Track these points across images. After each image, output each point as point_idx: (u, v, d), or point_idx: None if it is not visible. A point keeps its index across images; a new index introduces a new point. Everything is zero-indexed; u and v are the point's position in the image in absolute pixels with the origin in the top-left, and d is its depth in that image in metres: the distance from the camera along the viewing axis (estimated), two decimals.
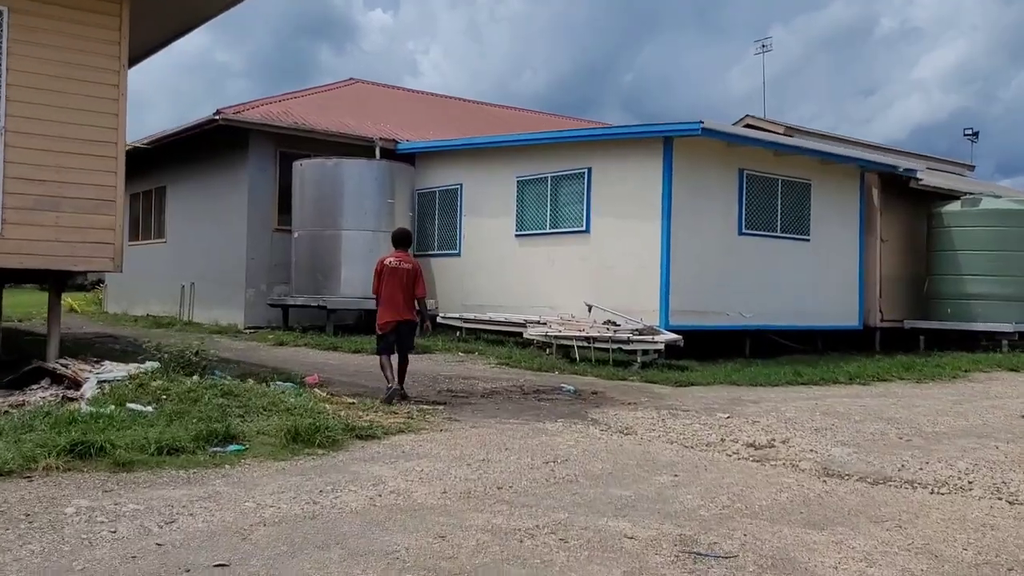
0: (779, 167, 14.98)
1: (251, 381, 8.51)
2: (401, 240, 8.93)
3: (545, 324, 13.52)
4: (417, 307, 8.73)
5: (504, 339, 15.10)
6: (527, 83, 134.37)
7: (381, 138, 18.07)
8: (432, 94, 26.09)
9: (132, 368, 8.17)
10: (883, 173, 16.82)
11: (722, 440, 7.05)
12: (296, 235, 16.42)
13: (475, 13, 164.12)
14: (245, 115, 16.75)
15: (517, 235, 16.05)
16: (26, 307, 25.86)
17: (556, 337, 12.71)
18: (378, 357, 8.72)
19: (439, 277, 17.75)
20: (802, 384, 11.24)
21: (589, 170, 14.77)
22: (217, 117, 16.20)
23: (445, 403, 8.54)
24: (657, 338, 12.19)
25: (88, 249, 9.49)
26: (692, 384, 10.81)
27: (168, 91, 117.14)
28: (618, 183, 14.34)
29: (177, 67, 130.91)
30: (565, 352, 12.81)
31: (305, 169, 16.22)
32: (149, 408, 6.71)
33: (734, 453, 6.62)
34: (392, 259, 8.69)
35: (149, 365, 8.32)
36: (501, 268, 16.31)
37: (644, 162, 13.95)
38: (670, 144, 13.59)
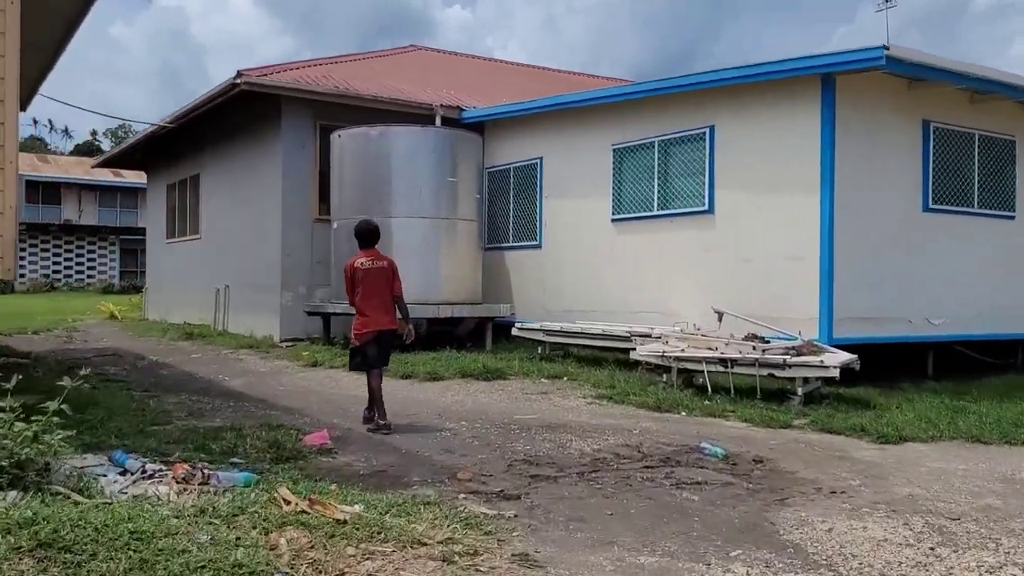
0: (975, 118, 10.93)
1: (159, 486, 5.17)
2: (368, 235, 7.47)
3: (659, 338, 9.88)
4: (398, 311, 7.40)
5: (601, 355, 11.50)
6: (606, 75, 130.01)
7: (443, 105, 14.69)
8: (506, 62, 22.63)
9: None
10: None
11: None
12: (335, 225, 13.16)
13: (552, 6, 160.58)
14: (274, 78, 13.57)
15: (614, 220, 12.43)
16: (66, 312, 23.41)
17: (678, 358, 9.05)
18: (368, 379, 7.25)
19: (515, 275, 14.26)
20: None
21: (712, 129, 11.04)
22: (239, 81, 13.07)
23: (519, 495, 5.00)
24: (826, 359, 8.42)
25: None
26: (903, 438, 7.00)
27: None
28: (754, 144, 10.57)
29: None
30: (688, 377, 9.17)
31: (344, 141, 12.93)
32: None
33: None
34: (364, 260, 7.33)
35: None
36: (594, 263, 12.73)
37: (792, 113, 10.16)
38: (831, 86, 9.76)
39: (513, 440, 6.62)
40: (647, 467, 5.76)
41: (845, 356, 8.65)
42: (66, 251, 43.95)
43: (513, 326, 12.13)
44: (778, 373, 8.48)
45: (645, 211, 11.96)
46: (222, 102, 14.72)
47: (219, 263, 16.88)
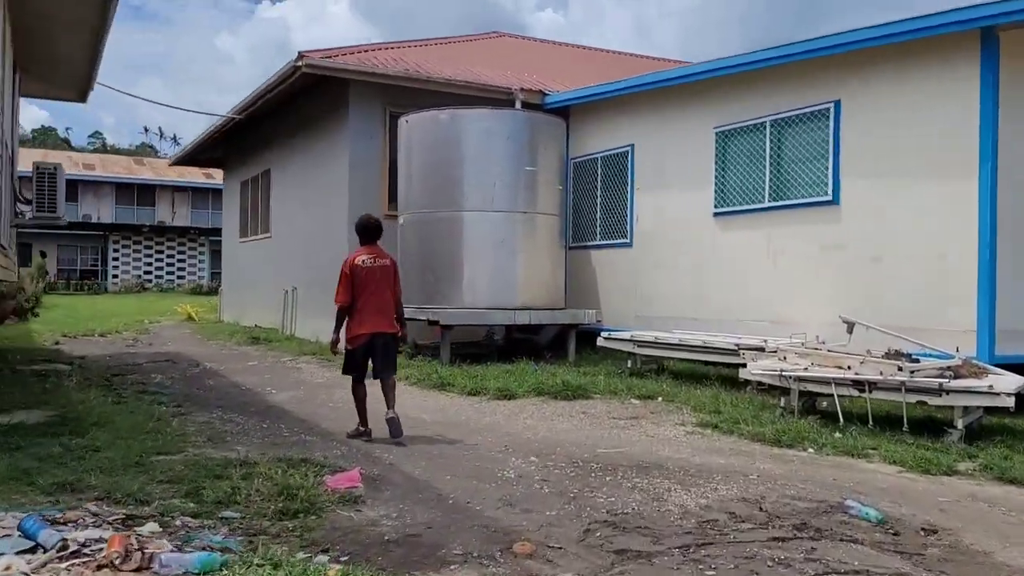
0: None
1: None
2: (370, 230, 6.90)
3: (774, 353, 8.21)
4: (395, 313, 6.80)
5: (701, 370, 9.90)
6: None
7: (523, 88, 13.29)
8: (594, 48, 21.07)
9: None
10: None
11: None
12: (401, 220, 11.92)
13: (643, 9, 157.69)
14: (338, 60, 12.43)
15: (717, 214, 10.79)
16: (147, 314, 22.94)
17: (800, 378, 7.38)
18: (351, 385, 6.80)
19: (602, 278, 12.74)
20: None
21: (836, 105, 9.30)
22: (300, 63, 11.98)
23: None
24: (995, 383, 6.62)
25: None
26: None
27: None
28: (890, 120, 8.79)
29: None
30: (810, 401, 7.50)
31: (411, 127, 11.66)
32: None
33: None
34: (364, 257, 6.76)
35: None
36: (693, 263, 11.11)
37: (941, 78, 8.35)
38: (993, 43, 7.93)
39: (593, 487, 5.14)
40: (776, 539, 4.19)
41: (1017, 380, 6.84)
42: (157, 252, 44.50)
43: (599, 335, 10.61)
44: (931, 400, 6.73)
45: (754, 203, 10.28)
46: (289, 91, 13.73)
47: (288, 263, 15.93)
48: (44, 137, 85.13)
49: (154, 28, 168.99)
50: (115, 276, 43.22)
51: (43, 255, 43.20)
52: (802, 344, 8.24)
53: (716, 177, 10.80)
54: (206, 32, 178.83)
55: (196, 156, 21.51)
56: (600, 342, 10.29)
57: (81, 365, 10.67)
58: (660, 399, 8.47)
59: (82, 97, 13.65)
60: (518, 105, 12.84)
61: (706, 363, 9.64)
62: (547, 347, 12.15)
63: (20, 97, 13.17)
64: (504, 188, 11.17)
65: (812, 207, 9.54)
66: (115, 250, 43.70)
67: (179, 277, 44.51)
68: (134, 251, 43.83)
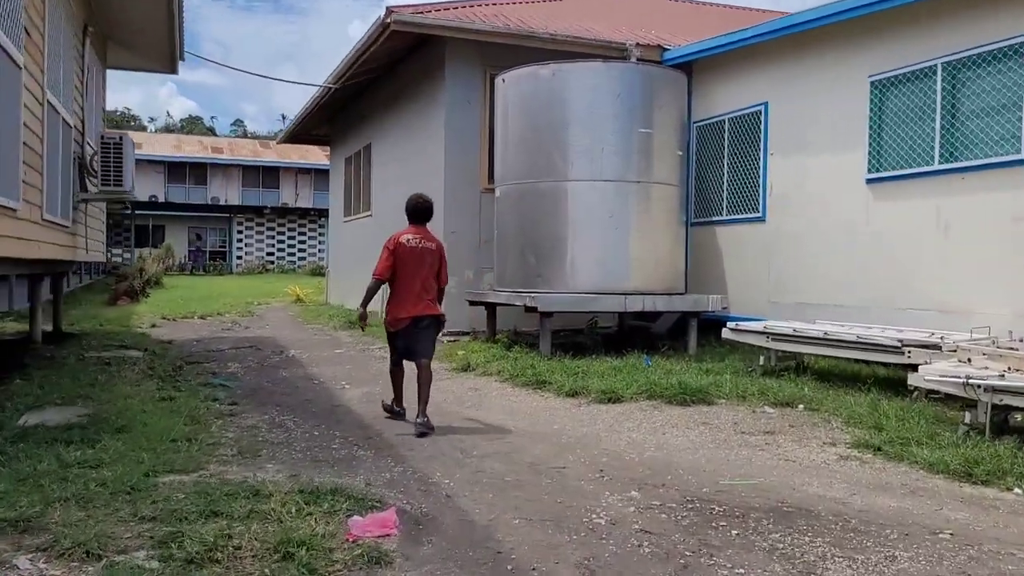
0: None
1: None
2: (419, 211, 6.57)
3: (954, 352, 6.44)
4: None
5: (851, 367, 8.18)
6: None
7: (638, 43, 11.70)
8: (710, 3, 19.06)
9: None
10: None
11: None
12: (498, 192, 10.62)
13: None
14: (430, 16, 11.22)
15: (871, 180, 8.97)
16: (259, 295, 22.53)
17: (994, 388, 5.62)
18: (390, 366, 6.67)
19: (728, 258, 11.08)
20: None
21: None
22: (388, 20, 10.84)
23: None
24: None
25: None
26: None
27: None
28: None
29: None
30: (1001, 415, 5.75)
31: (508, 86, 10.31)
32: None
33: None
34: (411, 236, 6.43)
35: None
36: (840, 240, 9.34)
37: None
38: None
39: (713, 546, 3.70)
40: None
41: None
42: (279, 234, 45.15)
43: (724, 325, 9.01)
44: None
45: (919, 165, 8.42)
46: (384, 56, 12.71)
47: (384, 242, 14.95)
48: (191, 126, 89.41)
49: (291, 19, 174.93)
50: (239, 257, 44.14)
51: (198, 236, 44.70)
52: (993, 343, 6.43)
53: (870, 136, 8.97)
54: (340, 19, 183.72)
55: (302, 133, 20.90)
56: (726, 334, 8.67)
57: (155, 352, 9.95)
58: (801, 407, 6.85)
59: (172, 67, 13.04)
60: (633, 61, 11.29)
61: (858, 361, 7.92)
62: (663, 338, 10.63)
63: (108, 69, 12.67)
64: (614, 154, 9.67)
65: (999, 169, 7.62)
66: (239, 231, 44.62)
67: (300, 258, 45.03)
68: (257, 232, 44.61)
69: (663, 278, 10.03)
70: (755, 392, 7.20)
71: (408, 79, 13.49)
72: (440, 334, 6.71)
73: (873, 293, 8.84)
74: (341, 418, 6.58)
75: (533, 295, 9.36)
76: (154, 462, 4.76)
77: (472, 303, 11.02)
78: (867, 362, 7.72)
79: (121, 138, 8.87)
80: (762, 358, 8.22)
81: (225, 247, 45.01)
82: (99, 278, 28.28)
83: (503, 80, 10.32)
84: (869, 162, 8.99)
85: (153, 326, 14.08)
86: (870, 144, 8.97)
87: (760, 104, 10.60)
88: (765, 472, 5.05)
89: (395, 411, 6.56)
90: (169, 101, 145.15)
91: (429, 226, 6.71)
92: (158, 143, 49.92)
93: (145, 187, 44.35)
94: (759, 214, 10.57)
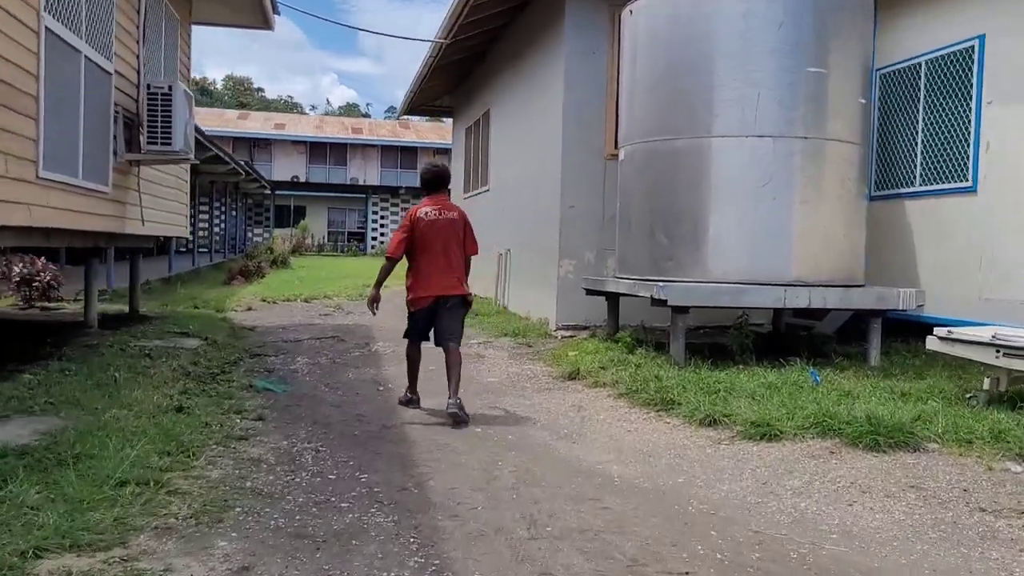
0: None
1: None
2: (436, 180, 6.05)
3: None
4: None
5: None
6: None
7: None
8: None
9: None
10: None
11: None
12: (622, 154, 8.56)
13: None
14: None
15: None
16: (373, 278, 21.14)
17: None
18: (407, 349, 6.17)
19: (923, 240, 8.60)
20: None
21: None
22: None
23: None
24: None
25: None
26: None
27: None
28: None
29: None
30: None
31: (637, 22, 8.20)
32: None
33: None
34: (429, 209, 5.92)
35: None
36: None
37: None
38: None
39: None
40: None
41: None
42: None
43: (914, 325, 6.61)
44: None
45: None
46: (494, 3, 10.89)
47: (502, 221, 13.21)
48: (348, 114, 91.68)
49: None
50: (374, 238, 43.83)
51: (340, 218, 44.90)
52: None
53: None
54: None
55: (424, 104, 19.45)
56: (933, 344, 6.20)
57: (216, 342, 8.60)
58: None
59: (266, 23, 11.75)
60: None
61: None
62: (831, 342, 8.31)
63: (196, 24, 11.48)
64: (773, 102, 7.40)
65: None
66: (375, 212, 44.33)
67: None
68: (392, 213, 44.16)
69: (836, 265, 7.69)
70: (985, 434, 4.87)
71: (526, 32, 11.66)
72: (467, 315, 6.14)
73: None
74: (382, 449, 4.83)
75: (662, 284, 7.27)
76: (59, 526, 3.16)
77: (588, 292, 9.07)
78: None
79: (170, 88, 7.47)
80: (987, 380, 5.78)
81: (363, 228, 44.86)
82: (232, 257, 28.19)
83: (631, 12, 8.21)
84: None
85: (249, 309, 12.97)
86: None
87: (973, 39, 8.04)
88: None
89: (410, 399, 6.17)
90: (330, 89, 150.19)
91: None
92: (301, 124, 50.54)
93: (287, 168, 44.82)
94: (968, 183, 8.04)
